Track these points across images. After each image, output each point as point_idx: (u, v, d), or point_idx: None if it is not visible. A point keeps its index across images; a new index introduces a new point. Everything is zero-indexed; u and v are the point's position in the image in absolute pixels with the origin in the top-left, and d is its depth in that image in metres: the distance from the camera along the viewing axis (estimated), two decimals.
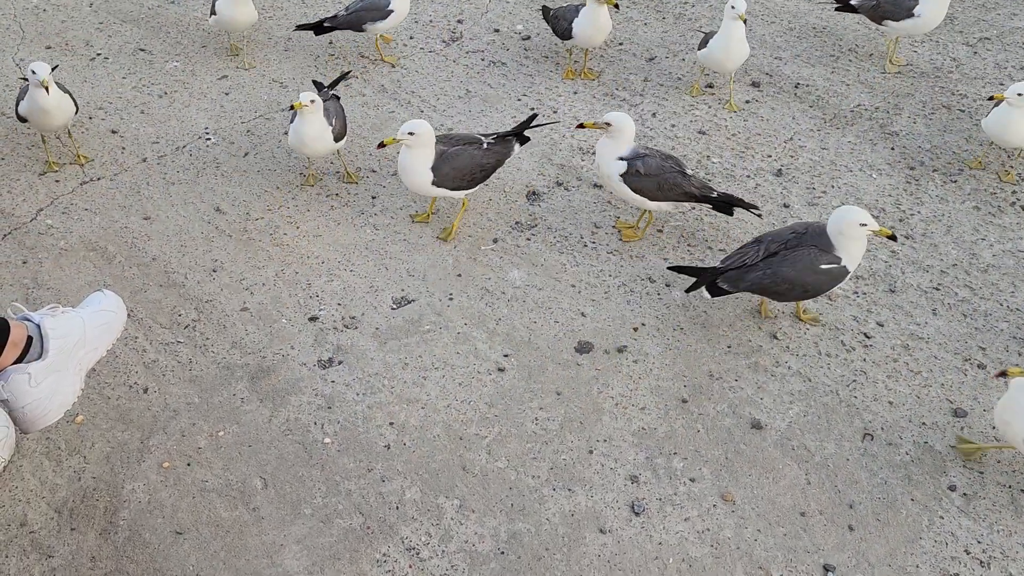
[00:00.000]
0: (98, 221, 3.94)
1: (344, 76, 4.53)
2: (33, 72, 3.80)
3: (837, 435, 3.09)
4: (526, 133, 3.97)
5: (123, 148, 4.41)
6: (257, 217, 4.00)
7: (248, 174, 4.26)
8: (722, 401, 3.20)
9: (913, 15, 4.71)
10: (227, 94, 4.84)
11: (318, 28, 4.92)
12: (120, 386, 3.18)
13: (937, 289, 3.67)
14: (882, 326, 3.50)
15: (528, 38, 5.38)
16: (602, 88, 4.90)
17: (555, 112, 4.71)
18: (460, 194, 3.82)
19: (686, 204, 3.77)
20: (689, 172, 3.74)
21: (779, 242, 3.33)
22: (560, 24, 4.84)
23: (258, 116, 4.65)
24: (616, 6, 4.60)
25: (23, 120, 4.04)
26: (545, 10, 5.09)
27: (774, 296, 3.35)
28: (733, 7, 4.41)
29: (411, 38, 5.36)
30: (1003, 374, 2.81)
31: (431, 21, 5.55)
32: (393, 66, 5.05)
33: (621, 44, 5.31)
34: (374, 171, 4.29)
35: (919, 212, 4.08)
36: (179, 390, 3.18)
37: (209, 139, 4.49)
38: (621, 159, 3.69)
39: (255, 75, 5.00)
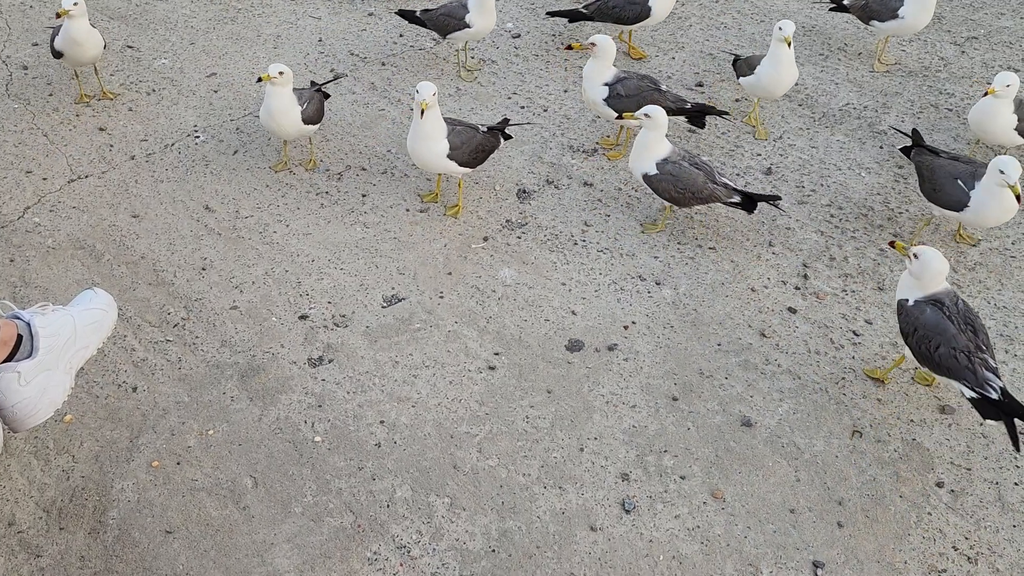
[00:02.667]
0: (86, 219, 3.92)
1: (337, 77, 4.55)
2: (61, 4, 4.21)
3: (826, 432, 3.11)
4: (508, 131, 4.14)
5: (111, 146, 4.39)
6: (247, 215, 3.99)
7: (237, 172, 4.24)
8: (712, 399, 3.22)
9: (898, 16, 4.74)
10: (216, 92, 4.82)
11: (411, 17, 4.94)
12: (109, 385, 3.17)
13: None
14: (871, 324, 3.52)
15: (518, 36, 5.38)
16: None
17: (545, 111, 4.71)
18: (463, 171, 3.89)
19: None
20: (664, 88, 4.16)
21: None
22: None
23: (247, 114, 4.63)
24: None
25: (58, 55, 4.40)
26: (570, 12, 5.07)
27: None
28: (780, 28, 4.14)
29: (401, 35, 5.35)
30: (891, 244, 3.14)
31: None
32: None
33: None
34: (364, 169, 4.28)
35: (907, 211, 4.10)
36: (168, 389, 3.17)
37: (198, 137, 4.47)
38: (605, 84, 4.13)
39: (243, 72, 4.97)
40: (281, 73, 3.87)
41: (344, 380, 3.24)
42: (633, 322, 3.51)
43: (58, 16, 4.17)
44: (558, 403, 3.18)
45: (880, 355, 3.39)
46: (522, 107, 4.73)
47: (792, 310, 3.58)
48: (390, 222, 3.98)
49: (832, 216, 4.06)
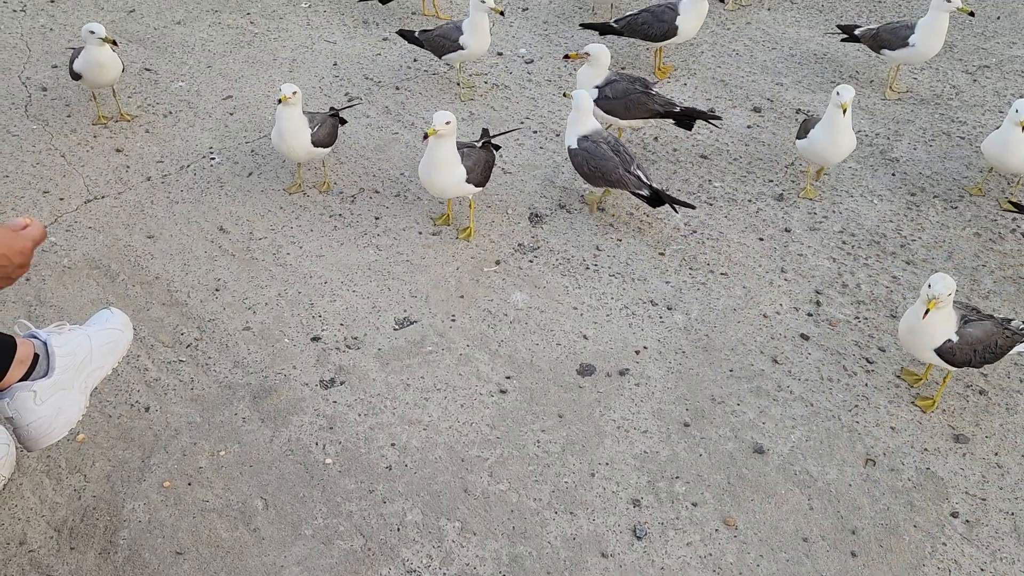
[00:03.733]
0: (102, 239, 3.95)
1: (353, 102, 4.62)
2: (92, 32, 4.29)
3: (839, 460, 3.09)
4: (495, 142, 4.21)
5: (128, 167, 4.43)
6: (260, 237, 4.01)
7: (252, 194, 4.28)
8: (724, 425, 3.20)
9: (909, 45, 4.77)
10: (232, 114, 4.87)
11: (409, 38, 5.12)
12: (122, 404, 3.18)
13: None
14: (884, 351, 3.51)
15: (531, 62, 5.42)
16: None
17: (557, 135, 4.74)
18: (475, 191, 3.93)
19: (653, 121, 4.36)
20: (654, 91, 4.28)
21: None
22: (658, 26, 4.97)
23: (262, 136, 4.68)
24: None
25: (77, 77, 4.47)
26: (602, 25, 5.23)
27: None
28: (838, 93, 3.93)
29: (415, 60, 5.40)
30: (927, 313, 2.98)
31: None
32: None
33: (623, 68, 5.35)
34: (377, 191, 4.31)
35: (920, 238, 4.10)
36: (181, 409, 3.18)
37: (213, 159, 4.52)
38: (596, 87, 4.31)
39: (259, 95, 5.03)
40: (295, 92, 3.92)
41: (355, 402, 3.24)
42: (645, 347, 3.51)
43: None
44: (569, 427, 3.18)
45: (894, 383, 3.37)
46: (535, 131, 4.76)
47: (805, 337, 3.57)
48: (402, 244, 4.00)
49: (844, 243, 4.06)
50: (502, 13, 4.71)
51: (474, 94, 5.05)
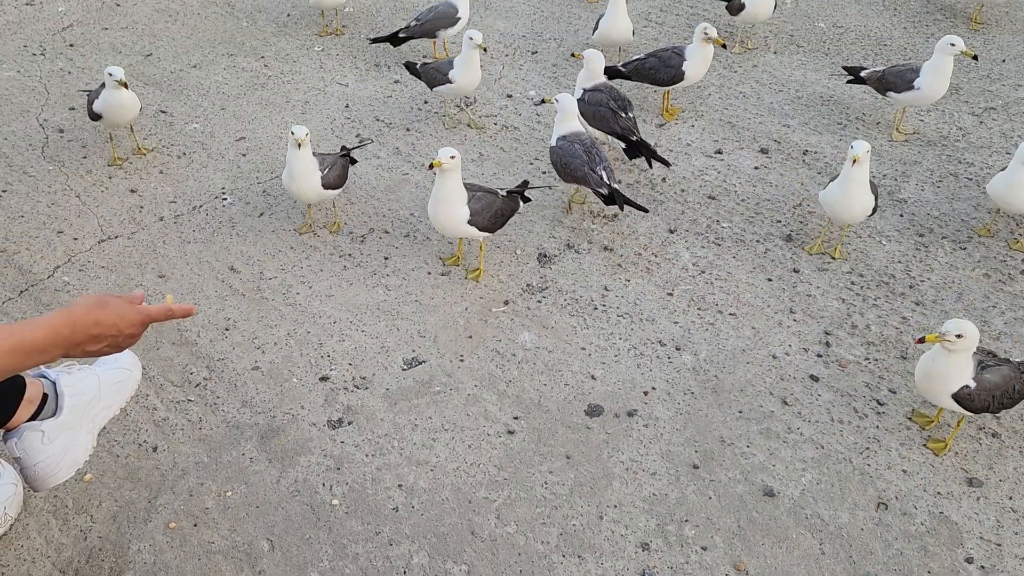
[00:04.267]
0: (114, 279, 3.99)
1: (363, 143, 4.71)
2: (110, 74, 4.41)
3: (851, 504, 3.05)
4: (527, 194, 4.30)
5: (141, 207, 4.49)
6: (271, 276, 4.04)
7: (263, 234, 4.32)
8: (734, 467, 3.17)
9: (914, 88, 4.82)
10: (244, 155, 4.94)
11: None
12: (129, 444, 3.18)
13: None
14: (894, 393, 3.49)
15: (541, 103, 5.49)
16: (612, 152, 4.98)
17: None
18: (482, 235, 3.97)
19: (617, 140, 4.70)
20: (627, 114, 4.60)
21: None
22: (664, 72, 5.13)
23: (274, 177, 4.74)
24: (724, 45, 4.99)
25: (96, 117, 4.59)
26: (612, 69, 5.34)
27: None
28: (852, 147, 3.86)
29: (425, 102, 5.47)
30: (921, 340, 3.01)
31: None
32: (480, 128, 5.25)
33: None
34: (387, 232, 4.35)
35: (929, 279, 4.09)
36: (188, 449, 3.18)
37: (225, 199, 4.57)
38: (583, 89, 4.73)
39: (271, 136, 5.10)
40: (306, 134, 3.98)
41: (363, 442, 3.23)
42: (653, 388, 3.50)
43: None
44: (577, 469, 3.16)
45: (905, 425, 3.35)
46: (543, 172, 4.80)
47: (814, 378, 3.55)
48: (412, 285, 4.02)
49: (853, 284, 4.05)
50: (484, 50, 4.91)
51: (455, 124, 5.24)
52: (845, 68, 5.24)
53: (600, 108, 4.63)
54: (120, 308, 2.10)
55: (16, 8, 6.63)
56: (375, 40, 5.75)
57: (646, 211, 4.28)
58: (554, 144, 4.35)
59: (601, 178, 4.20)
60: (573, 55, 4.97)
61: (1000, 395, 3.07)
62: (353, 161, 4.47)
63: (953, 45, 4.63)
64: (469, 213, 3.86)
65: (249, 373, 3.51)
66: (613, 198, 4.19)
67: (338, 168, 4.20)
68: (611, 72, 5.28)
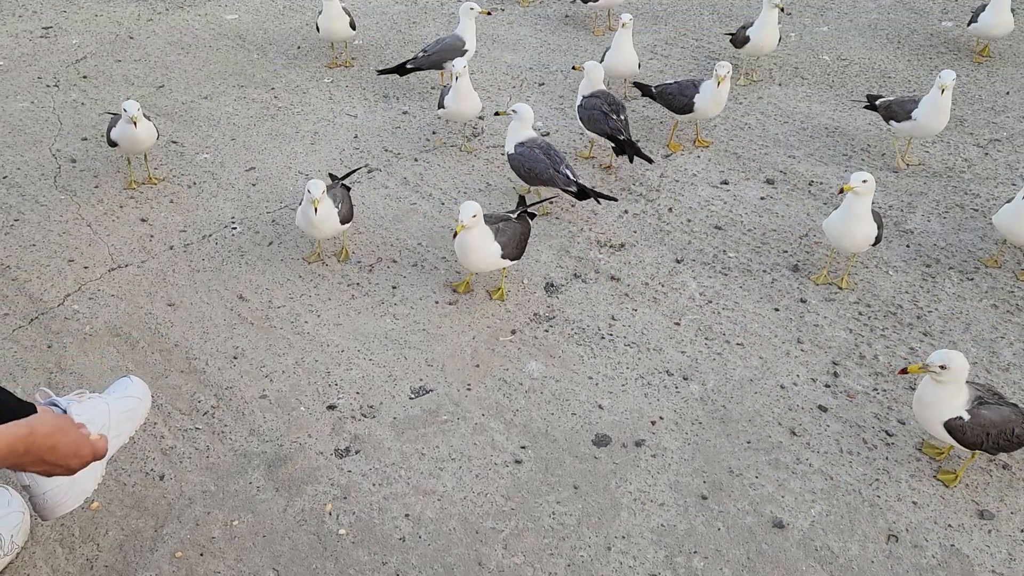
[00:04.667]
0: (123, 307, 4.01)
1: (355, 170, 4.77)
2: (125, 110, 4.51)
3: (861, 536, 3.03)
4: (531, 211, 4.37)
5: (151, 236, 4.53)
6: (279, 305, 4.06)
7: (272, 263, 4.35)
8: (743, 498, 3.16)
9: (911, 119, 4.88)
10: (254, 185, 4.98)
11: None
12: (137, 472, 3.18)
13: None
14: (903, 424, 3.47)
15: (547, 135, 5.54)
16: (619, 183, 5.01)
17: (572, 206, 4.81)
18: (511, 264, 4.04)
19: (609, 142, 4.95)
20: (619, 116, 4.87)
21: None
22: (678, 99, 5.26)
23: (283, 206, 4.78)
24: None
25: (113, 144, 4.70)
26: (645, 87, 5.51)
27: None
28: (940, 76, 4.59)
29: (433, 133, 5.53)
30: (904, 371, 3.12)
31: None
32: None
33: (637, 136, 5.45)
34: (395, 261, 4.37)
35: (937, 309, 4.09)
36: (196, 477, 3.17)
37: (235, 228, 4.60)
38: (583, 96, 5.03)
39: (281, 166, 5.15)
40: (323, 191, 3.95)
41: (370, 471, 3.22)
42: (661, 417, 3.49)
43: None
44: (585, 499, 3.14)
45: (915, 456, 3.33)
46: (551, 202, 4.83)
47: (823, 408, 3.54)
48: (419, 314, 4.03)
49: (860, 314, 4.05)
50: (455, 78, 5.02)
51: (441, 143, 5.39)
52: (868, 96, 5.32)
53: (594, 111, 4.93)
54: (78, 441, 2.09)
55: (31, 40, 6.74)
56: (382, 72, 5.85)
57: (615, 200, 4.60)
58: (512, 151, 4.58)
59: (567, 177, 4.45)
60: (574, 67, 5.31)
61: (996, 434, 3.05)
62: (346, 187, 4.47)
63: (941, 79, 4.73)
64: (500, 248, 3.91)
65: (257, 401, 3.52)
66: (583, 194, 4.41)
67: (347, 201, 4.23)
68: (644, 89, 5.53)
